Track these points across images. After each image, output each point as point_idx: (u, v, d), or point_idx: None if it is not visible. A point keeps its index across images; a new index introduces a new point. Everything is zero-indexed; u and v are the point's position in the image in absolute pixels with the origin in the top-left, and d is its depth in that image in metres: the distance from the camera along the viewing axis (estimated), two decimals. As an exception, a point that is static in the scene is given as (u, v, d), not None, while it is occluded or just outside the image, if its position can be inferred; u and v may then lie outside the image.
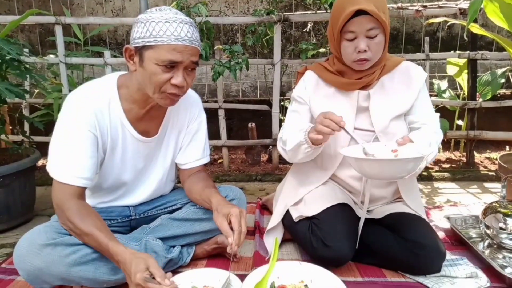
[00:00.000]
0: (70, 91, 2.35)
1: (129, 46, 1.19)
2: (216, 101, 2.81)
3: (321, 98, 1.44)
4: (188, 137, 1.45)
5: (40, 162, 2.62)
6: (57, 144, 1.21)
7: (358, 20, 1.28)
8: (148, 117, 1.32)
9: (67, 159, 1.19)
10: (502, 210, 1.46)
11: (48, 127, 2.10)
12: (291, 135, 1.38)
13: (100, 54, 2.86)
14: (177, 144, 1.44)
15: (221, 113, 2.79)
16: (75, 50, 3.24)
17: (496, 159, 2.54)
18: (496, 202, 1.53)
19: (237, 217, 1.18)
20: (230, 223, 1.19)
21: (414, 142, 1.24)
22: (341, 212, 1.38)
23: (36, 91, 2.91)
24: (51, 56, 2.75)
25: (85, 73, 2.93)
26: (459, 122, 2.98)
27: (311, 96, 1.45)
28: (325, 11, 2.53)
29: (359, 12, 1.26)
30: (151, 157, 1.40)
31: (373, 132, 1.39)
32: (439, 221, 1.77)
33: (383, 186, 1.45)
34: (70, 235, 1.19)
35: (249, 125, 2.88)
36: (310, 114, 1.47)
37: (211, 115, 2.58)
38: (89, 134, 1.21)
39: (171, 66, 1.16)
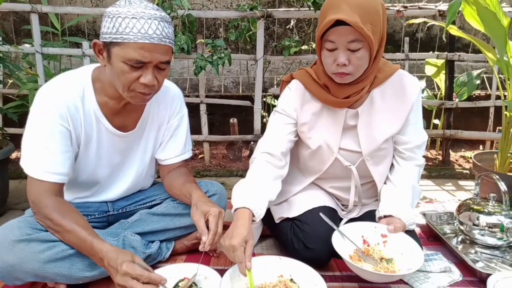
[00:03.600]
0: (46, 82, 2.28)
1: (97, 41, 1.13)
2: (197, 96, 2.79)
3: (307, 114, 1.36)
4: (169, 133, 1.42)
5: (14, 155, 2.54)
6: (30, 139, 1.16)
7: (338, 30, 1.15)
8: (125, 111, 1.28)
9: (40, 154, 1.15)
10: (475, 207, 1.50)
11: (22, 119, 2.03)
12: (255, 181, 1.27)
13: (78, 45, 2.77)
14: (157, 139, 1.41)
15: (203, 108, 2.77)
16: (52, 40, 3.14)
17: (471, 158, 2.62)
18: (470, 199, 1.58)
19: (215, 218, 1.17)
20: (207, 221, 1.18)
21: (404, 223, 1.29)
22: (324, 214, 1.36)
23: (10, 81, 2.81)
24: (27, 45, 2.66)
25: (62, 64, 2.84)
26: (436, 121, 3.06)
27: (298, 111, 1.36)
28: (308, 9, 2.54)
29: (342, 22, 1.13)
30: (128, 152, 1.37)
31: (360, 153, 1.35)
32: (415, 218, 1.81)
33: (369, 196, 1.47)
34: (46, 231, 1.16)
35: (231, 120, 2.87)
36: (294, 129, 1.38)
37: (193, 110, 2.56)
38: (61, 129, 1.16)
39: (139, 65, 1.11)
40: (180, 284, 1.20)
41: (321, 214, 1.29)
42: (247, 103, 2.79)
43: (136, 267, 1.03)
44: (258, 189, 1.25)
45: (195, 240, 1.45)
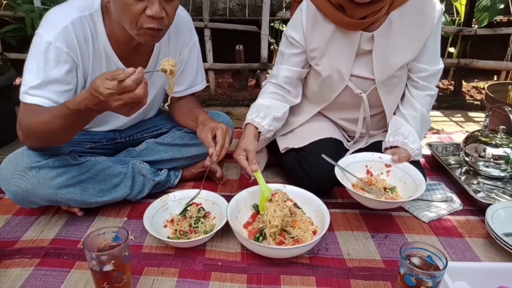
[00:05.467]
0: (42, 3, 2.16)
1: None
2: (201, 20, 2.65)
3: (318, 38, 1.28)
4: (180, 67, 1.35)
5: (18, 81, 2.51)
6: (32, 66, 1.07)
7: None
8: (136, 50, 1.20)
9: (41, 83, 1.06)
10: (483, 139, 1.49)
11: (21, 43, 1.96)
12: (261, 101, 1.35)
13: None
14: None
15: (207, 33, 2.65)
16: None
17: (483, 89, 2.55)
18: (478, 131, 1.56)
19: (223, 131, 1.18)
20: (214, 137, 1.18)
21: (410, 153, 1.29)
22: (329, 145, 1.36)
23: (5, 2, 2.66)
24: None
25: (57, -17, 2.66)
26: (451, 49, 2.92)
27: (308, 35, 1.29)
28: None
29: None
30: None
31: (372, 81, 1.29)
32: (421, 149, 1.81)
33: (377, 127, 1.46)
34: (53, 156, 1.16)
35: (237, 47, 2.76)
36: (303, 58, 1.34)
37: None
38: (67, 58, 1.08)
39: None
40: (188, 208, 1.25)
41: (323, 155, 1.28)
42: (253, 28, 2.66)
43: (109, 83, 0.89)
44: (263, 107, 1.32)
45: (201, 168, 1.48)
